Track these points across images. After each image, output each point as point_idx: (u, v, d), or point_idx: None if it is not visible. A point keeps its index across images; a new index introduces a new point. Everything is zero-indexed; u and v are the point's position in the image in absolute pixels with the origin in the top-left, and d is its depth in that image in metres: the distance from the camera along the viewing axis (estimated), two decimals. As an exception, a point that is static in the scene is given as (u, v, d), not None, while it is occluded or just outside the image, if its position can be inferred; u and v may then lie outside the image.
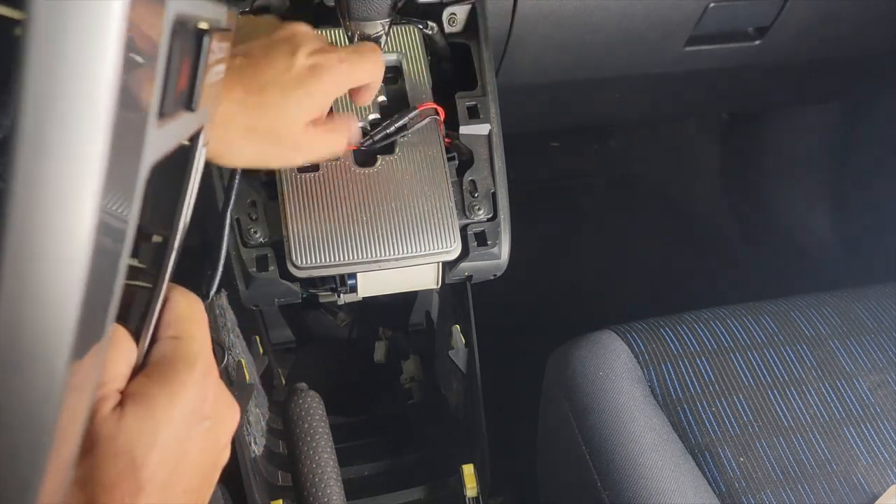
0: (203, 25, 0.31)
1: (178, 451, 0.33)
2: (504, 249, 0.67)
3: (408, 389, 1.01)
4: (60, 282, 0.22)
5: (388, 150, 0.66)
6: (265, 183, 0.65)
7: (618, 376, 0.75)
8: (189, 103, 0.30)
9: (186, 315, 0.36)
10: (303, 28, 0.54)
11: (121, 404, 0.32)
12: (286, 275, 0.63)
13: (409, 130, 0.66)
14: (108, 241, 0.24)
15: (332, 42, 0.66)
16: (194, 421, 0.34)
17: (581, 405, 0.74)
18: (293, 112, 0.51)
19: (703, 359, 0.79)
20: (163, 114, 0.26)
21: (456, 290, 0.85)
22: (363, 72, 0.55)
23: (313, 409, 0.66)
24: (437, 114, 0.67)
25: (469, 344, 0.81)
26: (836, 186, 1.42)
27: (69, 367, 0.23)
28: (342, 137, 0.56)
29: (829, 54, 1.01)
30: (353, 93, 0.58)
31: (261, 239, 0.64)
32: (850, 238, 1.41)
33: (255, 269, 0.63)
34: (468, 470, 0.79)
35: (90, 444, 0.30)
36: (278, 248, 0.63)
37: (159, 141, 0.27)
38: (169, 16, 0.25)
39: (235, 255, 0.64)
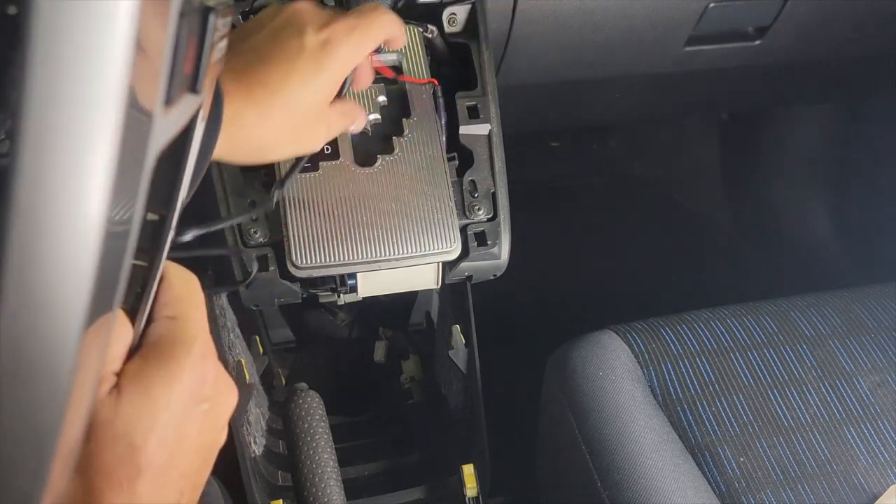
0: (209, 1, 0.29)
1: (177, 435, 0.32)
2: (504, 249, 0.67)
3: (408, 389, 1.01)
4: (75, 252, 0.22)
5: (388, 150, 0.66)
6: (265, 183, 0.65)
7: (618, 376, 0.75)
8: (194, 86, 0.29)
9: (184, 295, 0.35)
10: (303, 5, 0.52)
11: (117, 387, 0.31)
12: (286, 275, 0.63)
13: (414, 115, 0.66)
14: (118, 229, 0.24)
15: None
16: (193, 403, 0.33)
17: (581, 405, 0.74)
18: (319, 92, 0.51)
19: (703, 359, 0.79)
20: (169, 100, 0.26)
21: (456, 290, 0.85)
22: (377, 31, 0.54)
23: (313, 409, 0.66)
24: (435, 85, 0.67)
25: (469, 344, 0.81)
26: (836, 186, 1.42)
27: (83, 334, 0.23)
28: (358, 107, 0.57)
29: (828, 54, 1.01)
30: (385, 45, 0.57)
31: (261, 239, 0.64)
32: (850, 238, 1.41)
33: (255, 269, 0.63)
34: (468, 470, 0.79)
35: (87, 429, 0.30)
36: (278, 248, 0.63)
37: (165, 128, 0.26)
38: None
39: (235, 255, 0.64)
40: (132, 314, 0.32)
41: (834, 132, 1.41)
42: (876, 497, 0.71)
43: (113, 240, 0.23)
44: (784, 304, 0.86)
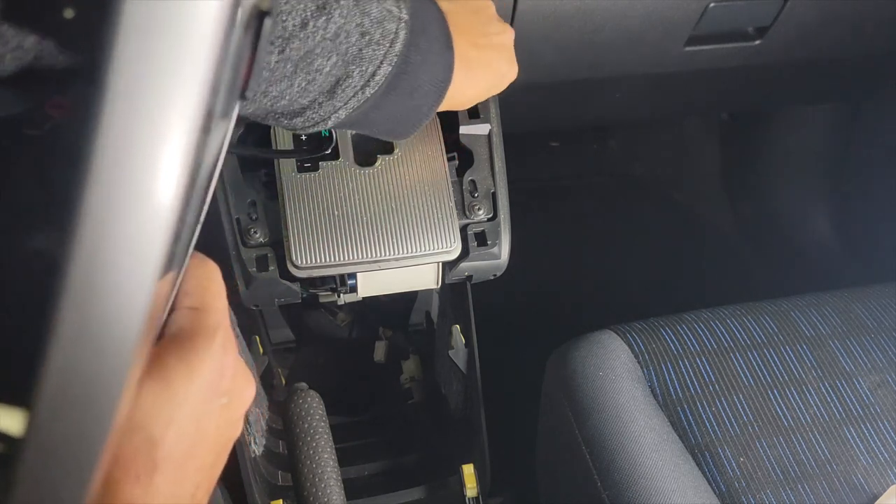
0: (264, 5, 0.29)
1: (196, 428, 0.32)
2: (504, 249, 0.67)
3: (408, 389, 1.01)
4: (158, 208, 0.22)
5: (388, 150, 0.66)
6: (265, 183, 0.65)
7: (618, 376, 0.75)
8: (244, 92, 0.29)
9: (205, 285, 0.34)
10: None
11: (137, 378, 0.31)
12: (286, 275, 0.63)
13: None
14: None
15: None
16: (212, 396, 0.33)
17: (581, 405, 0.74)
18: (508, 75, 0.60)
19: (703, 359, 0.79)
20: (225, 113, 0.26)
21: (456, 290, 0.85)
22: None
23: (313, 409, 0.66)
24: None
25: (469, 344, 0.81)
26: (836, 186, 1.42)
27: (156, 283, 0.23)
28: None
29: (829, 54, 1.01)
30: None
31: (261, 239, 0.64)
32: (850, 238, 1.41)
33: (255, 269, 0.63)
34: (468, 470, 0.79)
35: None
36: (278, 248, 0.63)
37: (217, 139, 0.27)
38: (245, 4, 0.24)
39: (235, 255, 0.64)
40: None
41: (834, 132, 1.41)
42: (876, 497, 0.71)
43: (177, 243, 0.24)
44: (784, 304, 0.86)
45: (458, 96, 0.54)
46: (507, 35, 0.59)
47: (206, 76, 0.21)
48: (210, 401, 0.33)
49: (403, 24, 0.46)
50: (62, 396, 0.23)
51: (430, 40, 0.49)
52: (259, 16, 0.28)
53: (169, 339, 0.32)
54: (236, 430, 0.36)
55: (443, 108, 0.54)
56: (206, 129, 0.22)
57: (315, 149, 0.64)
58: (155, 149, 0.21)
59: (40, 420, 0.23)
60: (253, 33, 0.28)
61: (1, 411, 0.25)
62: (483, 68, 0.56)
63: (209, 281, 0.35)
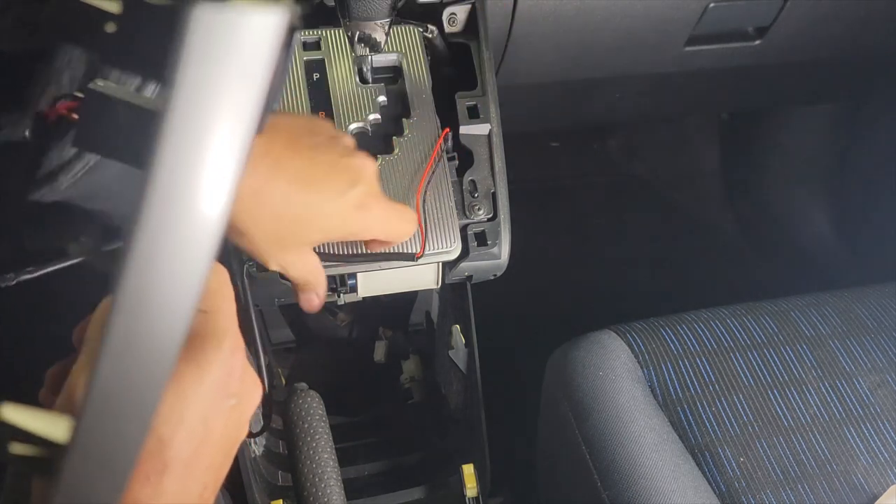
0: (293, 20, 0.30)
1: (204, 430, 0.32)
2: (504, 249, 0.67)
3: (408, 389, 1.01)
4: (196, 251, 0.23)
5: (388, 150, 0.66)
6: None
7: (618, 376, 0.75)
8: (271, 106, 0.30)
9: (215, 288, 0.34)
10: (358, 156, 0.52)
11: None
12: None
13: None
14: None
15: (330, 43, 0.67)
16: (221, 398, 0.33)
17: (581, 405, 0.74)
18: (330, 232, 0.52)
19: (703, 359, 0.79)
20: (263, 128, 0.26)
21: (456, 290, 0.84)
22: (403, 225, 0.56)
23: (313, 409, 0.66)
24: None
25: (469, 344, 0.81)
26: (836, 186, 1.42)
27: (200, 294, 0.24)
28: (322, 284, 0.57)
29: (829, 54, 1.01)
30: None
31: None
32: (850, 238, 1.41)
33: (255, 269, 0.63)
34: (468, 470, 0.79)
35: None
36: None
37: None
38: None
39: (235, 255, 0.64)
40: None
41: (834, 132, 1.41)
42: (876, 497, 0.71)
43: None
44: (784, 304, 0.86)
45: (252, 215, 0.47)
46: (371, 199, 0.51)
47: (261, 94, 0.21)
48: (219, 402, 0.33)
49: None
50: (107, 405, 0.23)
51: None
52: (291, 29, 0.28)
53: None
54: (243, 432, 0.36)
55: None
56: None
57: None
58: (212, 161, 0.22)
59: (85, 428, 0.23)
60: (286, 47, 0.29)
61: (46, 418, 0.25)
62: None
63: (219, 284, 0.35)
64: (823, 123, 1.42)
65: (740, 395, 0.77)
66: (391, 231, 0.55)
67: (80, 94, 0.41)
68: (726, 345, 0.80)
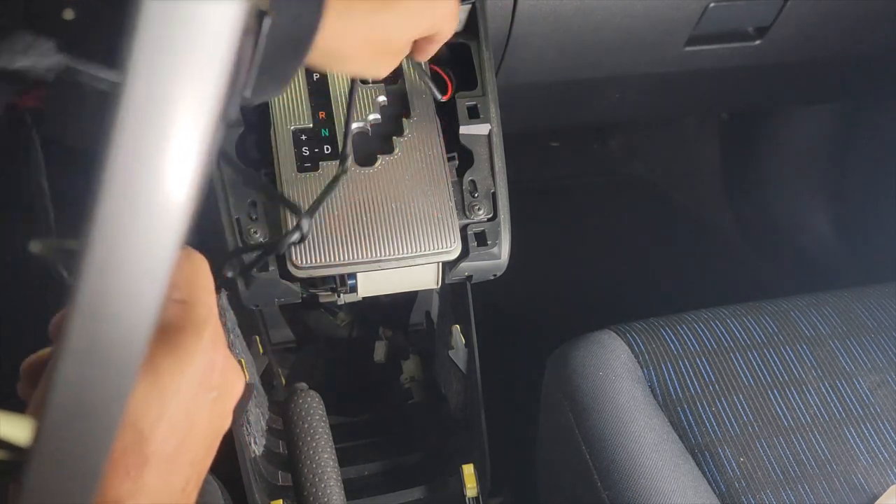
0: (262, 5, 0.29)
1: (186, 423, 0.32)
2: (504, 249, 0.67)
3: (408, 389, 1.01)
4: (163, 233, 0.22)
5: (388, 149, 0.66)
6: (264, 185, 0.65)
7: (618, 376, 0.75)
8: (244, 91, 0.29)
9: (194, 278, 0.34)
10: None
11: None
12: (286, 275, 0.63)
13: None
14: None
15: None
16: (202, 391, 0.32)
17: (581, 405, 0.74)
18: (413, 28, 0.54)
19: (703, 359, 0.79)
20: (232, 114, 0.26)
21: (456, 290, 0.84)
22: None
23: (313, 409, 0.66)
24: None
25: (469, 344, 0.81)
26: (836, 186, 1.42)
27: (165, 289, 0.23)
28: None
29: (829, 54, 1.01)
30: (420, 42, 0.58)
31: (261, 239, 0.64)
32: (850, 238, 1.41)
33: (255, 269, 0.63)
34: (468, 470, 0.79)
35: None
36: None
37: (217, 139, 0.27)
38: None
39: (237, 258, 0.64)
40: None
41: (834, 132, 1.41)
42: (876, 497, 0.71)
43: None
44: (784, 304, 0.86)
45: (341, 47, 0.49)
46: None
47: (220, 80, 0.21)
48: (200, 395, 0.32)
49: None
50: (70, 407, 0.23)
51: None
52: (259, 15, 0.28)
53: (157, 332, 0.31)
54: (226, 424, 0.36)
55: (323, 64, 0.51)
56: (215, 131, 0.22)
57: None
58: (171, 151, 0.21)
59: (48, 429, 0.23)
60: (254, 34, 0.28)
61: (6, 420, 0.25)
62: (383, 8, 0.51)
63: (196, 274, 0.34)
64: (823, 123, 1.42)
65: (740, 395, 0.77)
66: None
67: (41, 83, 0.41)
68: (726, 345, 0.80)
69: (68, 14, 0.25)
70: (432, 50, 0.59)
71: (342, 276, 0.66)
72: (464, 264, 0.66)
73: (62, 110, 0.33)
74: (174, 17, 0.20)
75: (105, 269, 0.21)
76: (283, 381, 1.03)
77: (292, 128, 0.66)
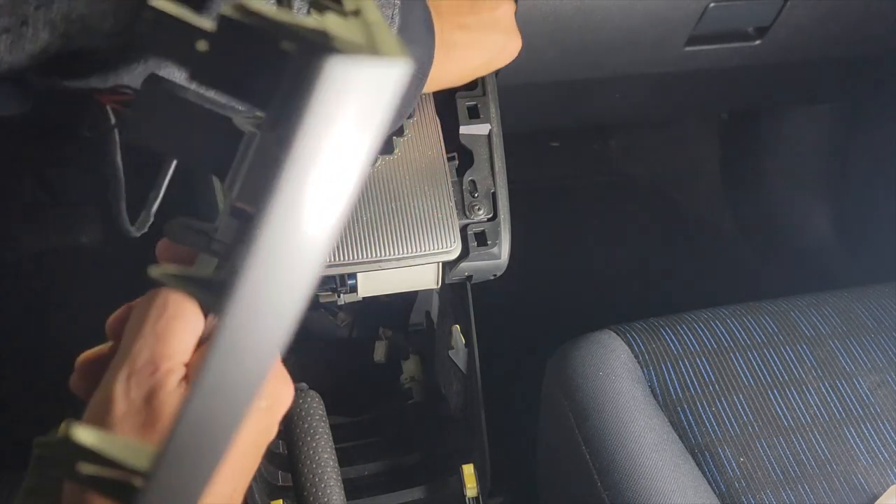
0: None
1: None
2: (504, 249, 0.67)
3: (408, 389, 1.01)
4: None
5: (388, 149, 0.66)
6: None
7: (618, 376, 0.75)
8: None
9: None
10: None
11: (185, 378, 0.31)
12: (286, 275, 0.63)
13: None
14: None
15: None
16: (255, 400, 0.33)
17: (581, 405, 0.74)
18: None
19: (703, 359, 0.79)
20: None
21: (456, 290, 0.84)
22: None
23: (313, 409, 0.66)
24: None
25: (469, 344, 0.81)
26: (836, 186, 1.42)
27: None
28: None
29: (829, 54, 1.01)
30: None
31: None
32: (850, 238, 1.41)
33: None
34: (468, 470, 0.79)
35: (153, 418, 0.30)
36: None
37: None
38: None
39: None
40: (205, 307, 0.32)
41: (834, 132, 1.41)
42: (876, 497, 0.71)
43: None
44: (784, 304, 0.86)
45: (445, 76, 0.57)
46: (503, 9, 0.61)
47: (381, 133, 0.22)
48: (252, 404, 0.33)
49: (397, 9, 0.47)
50: (193, 438, 0.24)
51: (413, 24, 0.50)
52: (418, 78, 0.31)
53: None
54: (273, 433, 0.36)
55: (428, 89, 0.56)
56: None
57: None
58: (326, 197, 0.22)
59: (169, 458, 0.24)
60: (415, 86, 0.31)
61: (124, 443, 0.25)
62: (470, 48, 0.58)
63: None
64: (823, 123, 1.42)
65: (740, 395, 0.77)
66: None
67: (128, 90, 0.41)
68: (726, 345, 0.80)
69: (202, 45, 0.26)
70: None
71: (342, 276, 0.66)
72: (464, 264, 0.66)
73: (145, 114, 0.34)
74: (351, 80, 0.20)
75: (250, 308, 0.23)
76: (283, 381, 1.02)
77: None
